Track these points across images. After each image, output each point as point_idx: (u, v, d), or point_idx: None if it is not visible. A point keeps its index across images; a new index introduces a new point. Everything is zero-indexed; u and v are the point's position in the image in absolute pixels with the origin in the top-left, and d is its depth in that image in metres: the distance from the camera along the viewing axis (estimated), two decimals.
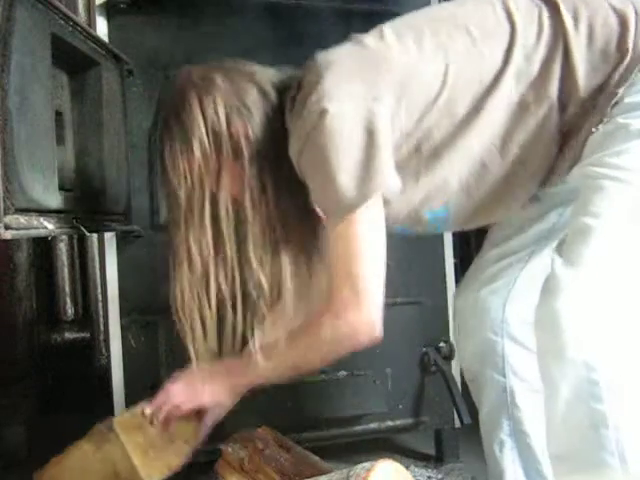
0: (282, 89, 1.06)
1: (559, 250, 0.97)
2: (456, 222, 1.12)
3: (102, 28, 1.51)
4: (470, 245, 3.11)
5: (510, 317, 1.21)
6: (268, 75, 1.08)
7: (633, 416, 0.89)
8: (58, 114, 1.23)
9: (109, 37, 1.51)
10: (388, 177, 0.97)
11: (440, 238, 1.73)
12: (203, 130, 1.01)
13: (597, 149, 0.97)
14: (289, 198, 1.03)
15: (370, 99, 0.96)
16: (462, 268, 2.78)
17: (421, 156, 1.02)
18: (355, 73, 0.98)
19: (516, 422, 1.21)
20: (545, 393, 0.96)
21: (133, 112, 1.53)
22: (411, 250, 1.71)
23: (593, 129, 0.98)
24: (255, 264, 1.05)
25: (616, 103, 0.96)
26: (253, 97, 1.03)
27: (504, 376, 1.21)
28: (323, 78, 0.97)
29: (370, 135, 0.95)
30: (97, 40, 1.38)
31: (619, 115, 0.95)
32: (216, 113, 1.01)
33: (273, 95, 1.05)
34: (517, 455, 1.22)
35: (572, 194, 1.09)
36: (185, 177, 1.02)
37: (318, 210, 1.01)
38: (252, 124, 1.02)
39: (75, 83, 1.34)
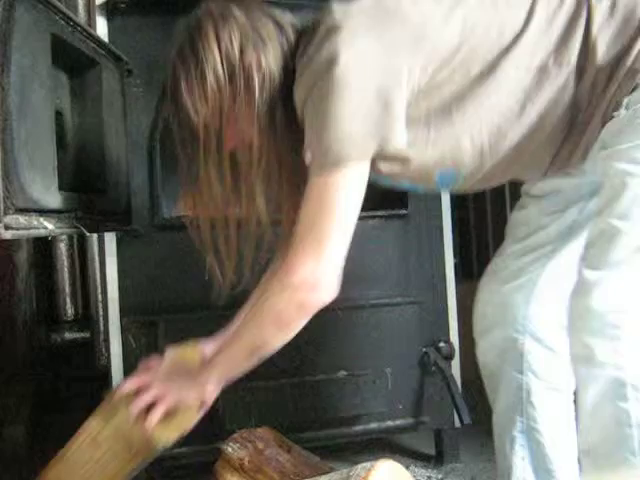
0: (299, 31, 1.06)
1: (587, 253, 0.96)
2: (462, 187, 1.11)
3: (102, 28, 1.52)
4: (470, 245, 3.12)
5: (532, 315, 1.20)
6: (287, 16, 1.08)
7: None
8: (58, 114, 1.24)
9: (109, 37, 1.51)
10: (391, 138, 0.96)
11: (440, 238, 1.74)
12: (218, 59, 1.01)
13: (616, 138, 0.95)
14: (290, 137, 1.03)
15: (383, 54, 0.96)
16: (462, 268, 2.79)
17: (432, 113, 1.00)
18: (370, 27, 0.97)
19: (529, 419, 1.21)
20: (577, 391, 0.96)
21: (133, 112, 1.53)
22: (411, 250, 1.71)
23: (614, 113, 0.95)
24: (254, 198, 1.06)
25: (637, 86, 0.93)
26: (269, 31, 1.03)
27: (521, 373, 1.21)
28: (338, 28, 0.96)
29: (379, 92, 0.94)
30: (97, 40, 1.38)
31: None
32: (231, 43, 1.01)
33: (290, 33, 1.05)
34: (527, 452, 1.22)
35: (592, 187, 1.09)
36: (200, 104, 1.02)
37: (306, 158, 0.99)
38: (266, 56, 1.02)
39: (75, 83, 1.34)
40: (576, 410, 1.12)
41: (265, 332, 1.04)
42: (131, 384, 1.11)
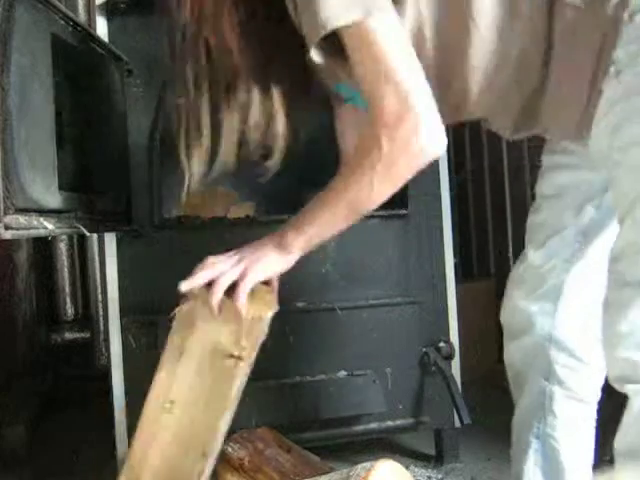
0: None
1: (613, 268, 0.92)
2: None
3: (102, 28, 1.52)
4: (470, 245, 3.12)
5: (559, 324, 1.18)
6: None
7: None
8: (58, 114, 1.24)
9: (109, 37, 1.51)
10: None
11: (440, 238, 1.74)
12: None
13: (622, 122, 0.88)
14: (279, 26, 0.97)
15: None
16: (462, 268, 2.79)
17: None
18: None
19: (547, 426, 1.19)
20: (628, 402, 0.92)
21: (133, 112, 1.53)
22: (411, 250, 1.71)
23: (604, 86, 0.89)
24: (246, 98, 1.03)
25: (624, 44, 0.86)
26: None
27: (547, 380, 1.19)
28: None
29: None
30: (97, 40, 1.38)
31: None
32: None
33: None
34: (540, 458, 1.20)
35: (605, 184, 1.05)
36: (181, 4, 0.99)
37: (305, 33, 0.91)
38: None
39: (75, 83, 1.34)
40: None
41: (370, 187, 0.93)
42: (196, 280, 0.98)
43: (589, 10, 0.90)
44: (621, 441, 0.93)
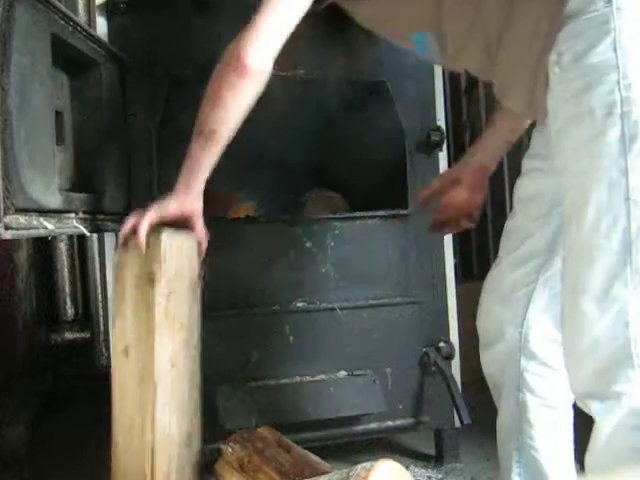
0: None
1: (563, 271, 0.92)
2: (447, 59, 1.15)
3: (102, 28, 1.52)
4: (470, 245, 3.12)
5: (528, 331, 1.18)
6: None
7: None
8: (58, 114, 1.24)
9: (109, 37, 1.51)
10: None
11: (440, 238, 1.73)
12: None
13: (568, 124, 0.88)
14: None
15: None
16: (462, 268, 2.79)
17: None
18: None
19: (525, 437, 1.20)
20: (595, 424, 0.90)
21: (133, 112, 1.53)
22: (411, 250, 1.71)
23: (550, 75, 0.90)
24: None
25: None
26: None
27: (519, 390, 1.19)
28: None
29: None
30: (97, 40, 1.38)
31: (574, 58, 0.86)
32: None
33: None
34: (523, 470, 1.21)
35: None
36: None
37: None
38: None
39: (75, 83, 1.34)
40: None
41: (206, 108, 1.10)
42: (123, 231, 1.14)
43: None
44: (592, 464, 0.91)
